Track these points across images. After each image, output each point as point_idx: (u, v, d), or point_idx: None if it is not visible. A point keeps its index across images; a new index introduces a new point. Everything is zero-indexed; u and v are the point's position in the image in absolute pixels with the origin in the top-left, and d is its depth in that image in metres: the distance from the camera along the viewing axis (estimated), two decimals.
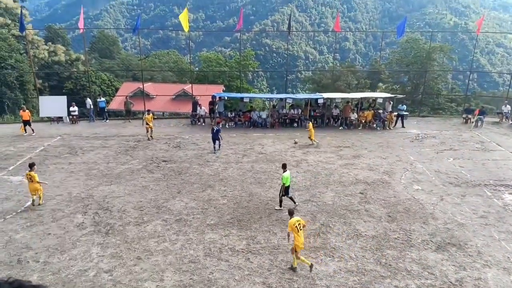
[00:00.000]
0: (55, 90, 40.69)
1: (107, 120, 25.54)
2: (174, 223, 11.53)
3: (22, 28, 25.57)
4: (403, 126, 23.44)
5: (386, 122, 23.46)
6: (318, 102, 23.90)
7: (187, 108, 32.01)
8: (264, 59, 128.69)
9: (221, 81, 42.25)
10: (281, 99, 25.40)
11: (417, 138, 21.18)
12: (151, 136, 20.44)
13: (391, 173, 15.76)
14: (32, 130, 21.45)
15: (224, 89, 39.24)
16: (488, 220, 11.83)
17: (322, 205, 12.79)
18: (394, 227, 11.32)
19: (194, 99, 26.13)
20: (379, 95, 26.73)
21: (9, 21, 43.34)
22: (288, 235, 9.33)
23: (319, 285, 8.77)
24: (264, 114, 24.43)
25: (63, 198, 13.15)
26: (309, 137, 19.53)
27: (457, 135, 21.85)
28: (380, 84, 42.24)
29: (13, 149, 18.70)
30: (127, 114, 26.61)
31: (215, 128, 18.55)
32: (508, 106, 24.69)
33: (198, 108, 24.70)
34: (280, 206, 12.40)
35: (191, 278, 8.98)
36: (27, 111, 21.75)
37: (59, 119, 24.69)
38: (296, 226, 8.98)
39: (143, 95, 31.10)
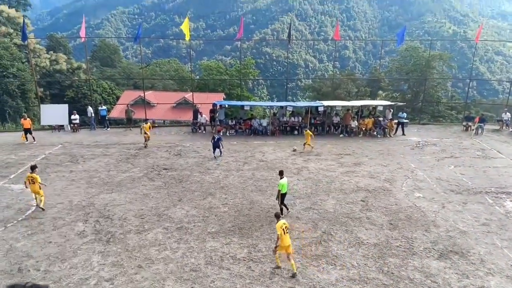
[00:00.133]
0: (56, 99, 40.90)
1: (108, 128, 25.60)
2: (175, 231, 11.49)
3: (24, 37, 25.75)
4: (403, 134, 23.47)
5: (386, 129, 23.50)
6: (319, 110, 23.99)
7: (188, 116, 32.10)
8: (264, 67, 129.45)
9: (221, 89, 42.48)
10: (281, 107, 25.48)
11: (418, 145, 21.20)
12: (145, 145, 20.52)
13: (392, 180, 15.74)
14: (33, 138, 21.49)
15: (225, 97, 39.44)
16: (490, 227, 11.79)
17: (324, 212, 12.76)
18: (396, 235, 11.28)
19: (195, 107, 26.22)
20: (379, 103, 26.82)
21: (11, 30, 43.73)
22: (278, 238, 9.38)
23: None
24: (264, 122, 24.49)
25: (64, 206, 13.13)
26: (305, 144, 19.68)
27: (457, 142, 21.87)
28: (380, 92, 42.42)
29: (14, 157, 18.72)
30: (128, 122, 26.67)
31: (216, 136, 18.71)
32: (508, 113, 24.75)
33: (199, 116, 24.78)
34: (282, 214, 12.35)
35: (192, 287, 8.93)
36: (28, 119, 21.81)
37: (60, 127, 24.74)
38: (283, 229, 9.26)
39: (144, 103, 31.24)
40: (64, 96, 40.75)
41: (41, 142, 21.47)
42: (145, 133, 20.40)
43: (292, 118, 24.73)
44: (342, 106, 25.58)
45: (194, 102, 28.31)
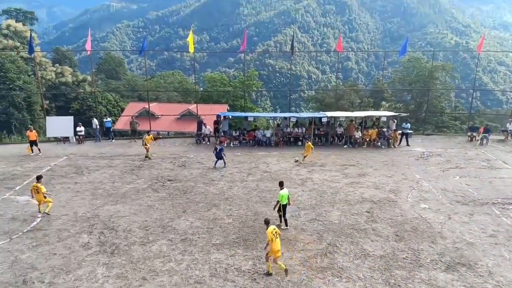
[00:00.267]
0: (62, 111, 41.31)
1: (113, 140, 25.75)
2: (179, 242, 11.45)
3: (31, 50, 26.17)
4: (407, 144, 23.42)
5: (390, 140, 23.47)
6: (322, 120, 24.04)
7: (192, 128, 32.25)
8: (268, 79, 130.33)
9: (225, 100, 42.74)
10: (285, 117, 25.56)
11: (422, 156, 21.12)
12: (146, 156, 20.67)
13: (397, 191, 15.66)
14: (39, 150, 21.64)
15: (229, 108, 39.61)
16: (497, 239, 11.66)
17: (329, 224, 12.68)
18: (402, 247, 11.17)
19: (199, 119, 26.36)
20: (382, 113, 26.83)
21: (18, 44, 44.45)
22: (268, 244, 9.61)
23: None
24: (268, 133, 24.55)
25: (69, 218, 13.15)
26: (304, 154, 19.74)
27: (462, 153, 21.77)
28: (383, 102, 42.45)
29: (20, 169, 18.83)
30: (133, 133, 26.83)
31: (218, 147, 18.85)
32: None
33: (203, 127, 24.90)
34: (286, 225, 12.33)
35: None
36: (34, 131, 22.00)
37: (66, 139, 24.93)
38: (273, 234, 9.53)
39: (148, 115, 31.45)
40: (70, 108, 41.13)
41: (47, 154, 21.61)
42: (145, 144, 20.54)
43: (296, 129, 24.78)
44: (346, 117, 25.62)
45: (198, 113, 28.48)
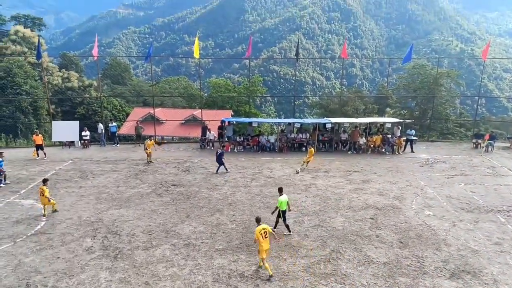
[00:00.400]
0: (67, 115, 41.61)
1: (118, 145, 25.89)
2: (182, 247, 11.45)
3: (38, 56, 26.49)
4: (412, 151, 23.32)
5: (395, 146, 23.38)
6: (326, 126, 24.03)
7: (196, 133, 32.31)
8: (272, 85, 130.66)
9: (229, 106, 42.89)
10: (289, 123, 25.58)
11: (427, 163, 21.01)
12: (149, 161, 20.87)
13: (402, 198, 15.57)
14: (44, 154, 21.80)
15: (233, 114, 39.74)
16: (503, 247, 11.54)
17: (332, 230, 12.63)
18: (406, 254, 11.09)
19: (203, 124, 26.45)
20: (387, 120, 26.77)
21: (26, 49, 45.00)
22: (255, 241, 9.98)
23: None
24: (272, 139, 24.56)
25: (73, 222, 13.21)
26: (306, 161, 19.63)
27: (467, 160, 21.63)
28: (388, 109, 42.37)
29: (25, 173, 18.98)
30: (138, 138, 26.97)
31: (219, 151, 18.98)
32: None
33: (208, 132, 24.98)
34: (289, 231, 12.30)
35: None
36: (40, 135, 22.19)
37: (71, 144, 25.10)
38: (261, 234, 9.76)
39: (153, 120, 31.63)
40: (75, 113, 41.43)
41: (52, 158, 21.76)
42: (146, 149, 20.69)
43: (300, 135, 24.78)
44: (350, 123, 25.56)
45: (203, 119, 28.59)
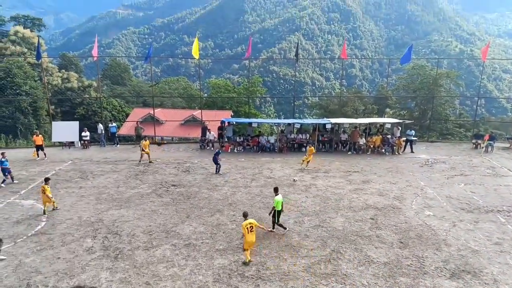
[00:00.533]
0: (67, 116, 41.60)
1: (118, 145, 25.88)
2: (183, 248, 11.46)
3: (38, 56, 26.48)
4: (412, 151, 23.34)
5: (394, 147, 23.41)
6: (326, 127, 24.05)
7: (196, 133, 32.35)
8: (272, 85, 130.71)
9: (229, 106, 42.91)
10: (289, 124, 25.60)
11: (427, 163, 21.03)
12: (147, 161, 20.90)
13: (402, 198, 15.59)
14: (45, 154, 21.79)
15: (233, 114, 39.76)
16: (503, 247, 11.56)
17: (332, 230, 12.64)
18: (406, 254, 11.10)
19: (203, 124, 26.47)
20: (387, 120, 26.81)
21: (26, 50, 45.00)
22: (242, 235, 10.58)
23: None
24: (272, 139, 24.58)
25: (73, 222, 13.21)
26: (306, 160, 19.64)
27: (467, 160, 21.66)
28: (388, 109, 42.40)
29: (25, 173, 18.97)
30: (137, 139, 26.95)
31: (216, 150, 19.20)
32: None
33: (207, 133, 24.99)
34: (284, 228, 12.33)
35: None
36: (40, 135, 22.17)
37: (71, 144, 25.09)
38: (247, 228, 10.35)
39: (153, 121, 31.63)
40: (75, 113, 41.44)
41: (52, 159, 21.75)
42: (143, 150, 20.71)
43: (300, 135, 24.80)
44: (350, 124, 25.57)
45: (203, 119, 28.60)
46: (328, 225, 13.05)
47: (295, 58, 29.03)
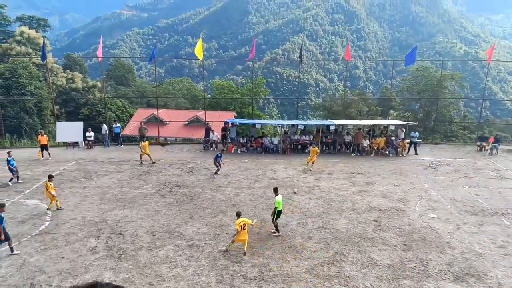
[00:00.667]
0: (71, 116, 41.76)
1: (122, 145, 25.99)
2: (186, 248, 11.47)
3: (43, 57, 26.67)
4: (416, 153, 23.26)
5: (398, 149, 23.33)
6: (330, 128, 24.01)
7: (199, 134, 32.43)
8: (275, 86, 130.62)
9: (233, 107, 42.92)
10: (292, 125, 25.58)
11: (431, 165, 20.94)
12: (149, 161, 20.93)
13: (406, 200, 15.53)
14: (49, 154, 21.91)
15: (236, 115, 39.77)
16: (507, 250, 11.48)
17: (336, 232, 12.61)
18: (410, 256, 11.06)
19: (207, 125, 26.51)
20: (391, 122, 26.73)
21: (31, 50, 45.27)
22: (237, 232, 10.96)
23: None
24: (275, 140, 24.58)
25: (77, 222, 13.27)
26: (311, 160, 19.58)
27: (471, 162, 21.54)
28: (391, 111, 42.24)
29: (29, 173, 19.08)
30: (141, 139, 27.02)
31: (217, 153, 19.15)
32: None
33: (211, 134, 25.03)
34: (278, 231, 12.31)
35: None
36: (45, 135, 22.30)
37: (75, 144, 25.21)
38: (240, 225, 10.84)
39: (157, 121, 31.71)
40: (79, 113, 41.61)
41: (56, 159, 21.87)
42: (142, 151, 20.72)
43: (303, 137, 24.77)
44: (354, 125, 25.53)
45: (206, 120, 28.65)
46: (332, 226, 13.02)
47: (299, 59, 29.06)
